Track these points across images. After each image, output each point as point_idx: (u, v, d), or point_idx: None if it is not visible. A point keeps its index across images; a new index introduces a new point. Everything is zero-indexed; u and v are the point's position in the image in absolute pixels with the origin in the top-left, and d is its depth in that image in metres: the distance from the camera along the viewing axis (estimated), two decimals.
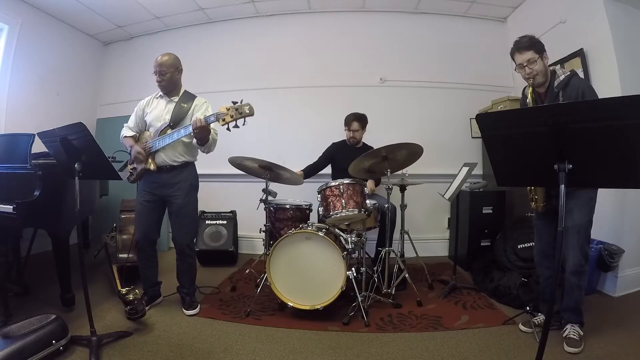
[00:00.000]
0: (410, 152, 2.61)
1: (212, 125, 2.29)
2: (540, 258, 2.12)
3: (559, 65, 2.61)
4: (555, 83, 1.91)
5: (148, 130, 2.40)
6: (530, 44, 1.89)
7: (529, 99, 1.92)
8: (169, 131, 2.27)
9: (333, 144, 3.45)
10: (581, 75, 2.73)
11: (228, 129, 2.07)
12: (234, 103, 2.06)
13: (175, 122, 2.30)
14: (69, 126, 1.83)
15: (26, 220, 2.16)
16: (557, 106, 1.60)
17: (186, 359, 1.85)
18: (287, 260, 2.32)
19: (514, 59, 1.98)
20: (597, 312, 2.30)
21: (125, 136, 2.43)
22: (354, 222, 2.55)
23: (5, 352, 1.59)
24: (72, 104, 4.14)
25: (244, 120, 2.05)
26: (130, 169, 2.41)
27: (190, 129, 2.13)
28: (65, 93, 4.05)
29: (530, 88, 1.93)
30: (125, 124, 2.48)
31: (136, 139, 2.42)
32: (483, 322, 2.23)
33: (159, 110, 2.36)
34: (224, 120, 2.04)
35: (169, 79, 2.31)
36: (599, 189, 1.93)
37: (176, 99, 2.36)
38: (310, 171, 3.33)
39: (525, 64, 1.90)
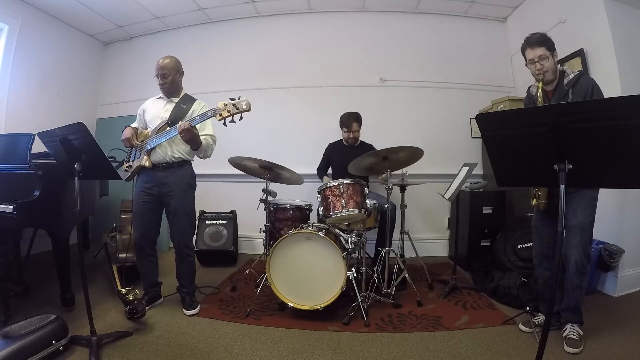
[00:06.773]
0: (410, 155, 2.63)
1: (209, 131, 2.35)
2: (540, 259, 2.11)
3: (558, 65, 2.61)
4: (565, 81, 1.92)
5: (146, 129, 2.43)
6: (542, 41, 1.90)
7: (539, 94, 1.90)
8: (167, 129, 2.28)
9: (330, 144, 3.47)
10: None
11: (224, 124, 2.08)
12: (232, 100, 2.07)
13: (174, 120, 2.30)
14: (69, 126, 1.83)
15: (26, 220, 2.16)
16: (557, 106, 1.60)
17: (186, 359, 1.85)
18: (287, 260, 2.32)
19: (524, 55, 1.98)
20: (597, 312, 2.29)
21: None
22: (354, 222, 2.54)
23: (5, 352, 1.59)
24: (72, 104, 4.14)
25: (241, 116, 2.06)
26: (126, 167, 2.43)
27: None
28: (65, 93, 4.05)
29: (540, 84, 1.92)
30: None
31: (136, 130, 2.47)
32: (483, 322, 2.23)
33: (157, 109, 2.41)
34: (220, 115, 2.05)
35: (171, 82, 2.34)
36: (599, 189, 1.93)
37: (176, 99, 2.40)
38: (324, 170, 3.46)
39: (536, 60, 1.90)
